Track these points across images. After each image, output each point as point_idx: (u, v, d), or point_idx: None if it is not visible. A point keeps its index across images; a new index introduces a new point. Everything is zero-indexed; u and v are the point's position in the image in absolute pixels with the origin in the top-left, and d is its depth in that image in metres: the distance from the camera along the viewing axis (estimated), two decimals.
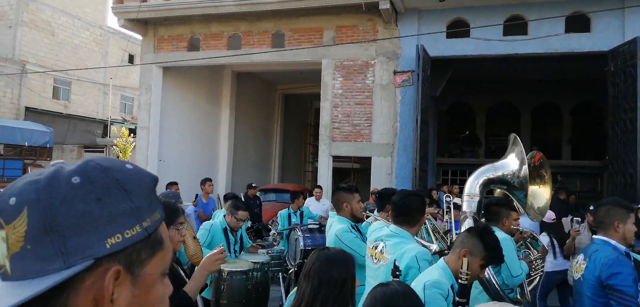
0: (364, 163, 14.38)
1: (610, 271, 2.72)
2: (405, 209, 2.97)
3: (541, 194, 3.86)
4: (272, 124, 18.49)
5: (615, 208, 2.91)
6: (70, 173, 0.70)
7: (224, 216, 4.77)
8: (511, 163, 3.82)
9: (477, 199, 3.75)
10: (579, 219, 5.35)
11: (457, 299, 2.36)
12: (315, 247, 6.57)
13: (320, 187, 10.19)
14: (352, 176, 17.22)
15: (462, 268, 2.37)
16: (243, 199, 7.68)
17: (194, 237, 2.87)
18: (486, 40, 10.41)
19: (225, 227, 4.66)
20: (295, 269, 6.07)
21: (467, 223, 3.66)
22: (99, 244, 0.68)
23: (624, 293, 2.65)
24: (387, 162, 11.01)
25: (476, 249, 2.44)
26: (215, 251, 2.48)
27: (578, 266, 3.04)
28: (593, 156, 16.54)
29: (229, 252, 4.57)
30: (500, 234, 3.72)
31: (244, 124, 16.39)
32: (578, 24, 10.14)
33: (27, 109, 23.04)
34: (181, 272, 2.68)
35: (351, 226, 3.59)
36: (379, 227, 3.30)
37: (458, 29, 10.75)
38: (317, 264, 2.04)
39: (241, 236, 4.93)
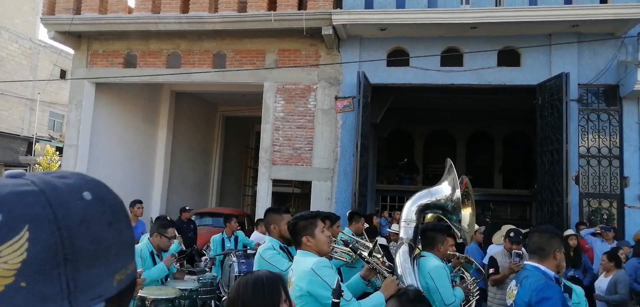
0: (305, 187, 14.27)
1: (540, 296, 2.75)
2: (294, 234, 2.95)
3: (464, 215, 4.02)
4: (211, 146, 18.04)
5: (555, 237, 2.99)
6: (75, 186, 0.52)
7: (149, 238, 4.45)
8: (445, 189, 3.91)
9: (414, 224, 3.77)
10: (520, 252, 4.97)
11: None
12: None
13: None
14: (292, 200, 17.04)
15: None
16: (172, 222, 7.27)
17: None
18: (424, 70, 10.70)
19: (152, 251, 4.36)
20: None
21: (403, 249, 3.65)
22: (108, 280, 0.52)
23: None
24: (327, 186, 10.96)
25: None
26: None
27: (511, 292, 3.07)
28: (523, 184, 17.34)
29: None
30: (434, 260, 3.74)
31: (182, 145, 15.86)
32: (509, 58, 10.66)
33: None
34: None
35: (279, 246, 3.58)
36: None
37: (398, 58, 10.99)
38: (241, 290, 1.86)
39: None
